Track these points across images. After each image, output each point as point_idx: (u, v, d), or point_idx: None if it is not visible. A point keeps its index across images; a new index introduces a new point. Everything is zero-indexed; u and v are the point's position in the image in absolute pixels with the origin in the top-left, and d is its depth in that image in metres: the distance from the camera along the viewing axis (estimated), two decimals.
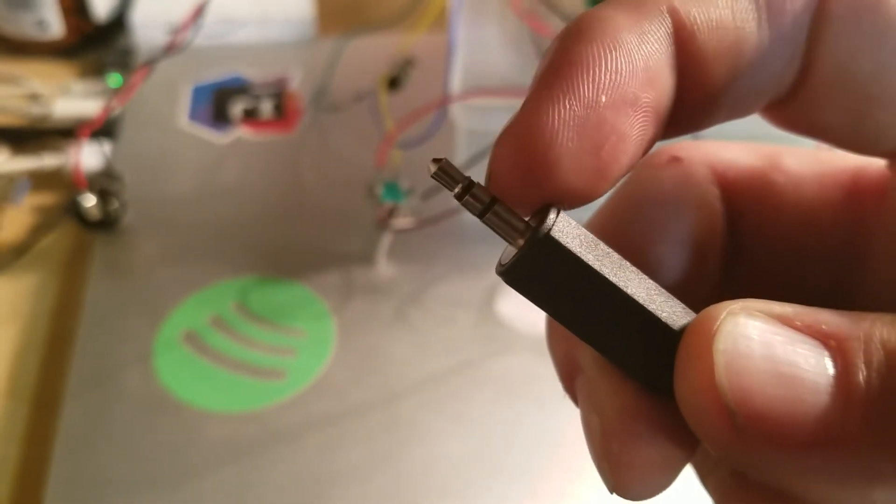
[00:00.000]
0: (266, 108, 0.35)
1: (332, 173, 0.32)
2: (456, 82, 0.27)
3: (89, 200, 0.27)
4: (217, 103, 0.35)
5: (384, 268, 0.28)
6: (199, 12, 0.29)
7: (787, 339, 0.09)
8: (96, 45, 0.40)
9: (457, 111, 0.26)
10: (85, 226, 0.28)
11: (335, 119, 0.34)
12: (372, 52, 0.36)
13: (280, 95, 0.36)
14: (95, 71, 0.40)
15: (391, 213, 0.25)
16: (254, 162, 0.32)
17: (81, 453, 0.22)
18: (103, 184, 0.28)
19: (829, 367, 0.08)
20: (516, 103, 0.28)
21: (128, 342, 0.25)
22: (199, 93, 0.36)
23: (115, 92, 0.35)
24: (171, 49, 0.28)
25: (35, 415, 0.25)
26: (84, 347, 0.25)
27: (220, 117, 0.34)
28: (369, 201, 0.27)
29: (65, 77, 0.39)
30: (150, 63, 0.28)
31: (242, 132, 0.34)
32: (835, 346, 0.09)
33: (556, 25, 0.28)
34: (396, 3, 0.43)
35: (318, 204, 0.30)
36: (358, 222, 0.29)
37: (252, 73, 0.37)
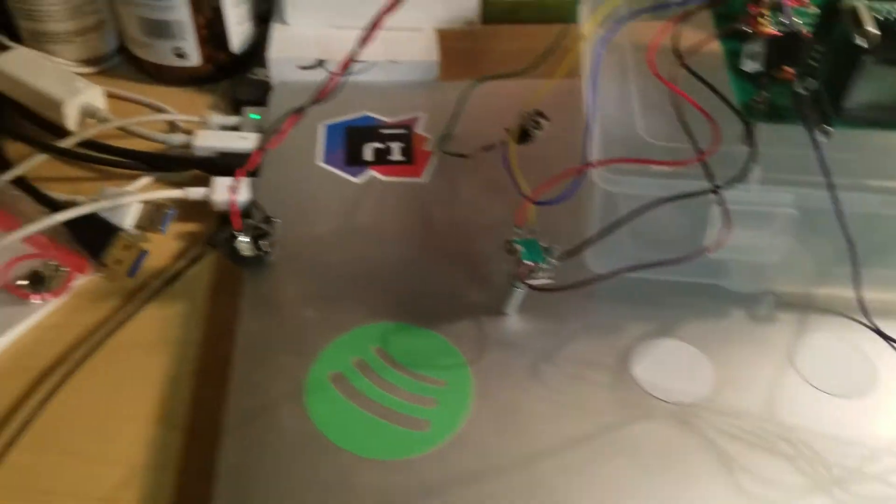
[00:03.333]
0: (395, 149, 0.36)
1: (462, 221, 0.33)
2: (595, 146, 0.27)
3: (244, 240, 0.29)
4: (349, 143, 0.36)
5: (515, 321, 0.29)
6: (350, 60, 0.30)
7: None
8: (228, 75, 0.43)
9: (596, 174, 0.27)
10: (234, 260, 0.30)
11: (463, 165, 0.35)
12: (497, 98, 0.37)
13: (408, 138, 0.37)
14: (227, 101, 0.42)
15: (531, 271, 0.26)
16: (387, 204, 0.33)
17: (242, 487, 0.23)
18: (258, 223, 0.30)
19: None
20: (658, 170, 0.28)
21: (280, 379, 0.26)
22: (332, 131, 0.37)
23: (262, 131, 0.37)
24: (323, 95, 0.30)
25: (189, 444, 0.26)
26: (240, 381, 0.26)
27: (353, 157, 0.36)
28: (504, 255, 0.28)
29: (197, 105, 0.41)
30: (302, 109, 0.30)
31: (374, 173, 0.35)
32: None
33: (696, 89, 0.28)
34: (521, 52, 0.44)
35: (449, 251, 0.31)
36: (488, 273, 0.30)
37: (380, 113, 0.38)
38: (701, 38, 0.31)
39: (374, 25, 0.30)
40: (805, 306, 0.30)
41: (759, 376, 0.27)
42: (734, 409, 0.27)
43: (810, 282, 0.30)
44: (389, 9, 0.30)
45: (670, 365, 0.28)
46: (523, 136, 0.32)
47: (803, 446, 0.26)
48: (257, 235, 0.30)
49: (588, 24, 0.31)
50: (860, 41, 0.24)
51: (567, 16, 0.50)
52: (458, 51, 0.43)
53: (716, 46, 0.31)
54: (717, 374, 0.27)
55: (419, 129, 0.38)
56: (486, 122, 0.37)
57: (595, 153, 0.27)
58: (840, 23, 0.26)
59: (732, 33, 0.31)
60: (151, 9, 0.39)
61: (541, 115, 0.32)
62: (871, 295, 0.28)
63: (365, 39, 0.30)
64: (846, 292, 0.28)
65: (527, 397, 0.26)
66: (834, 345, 0.28)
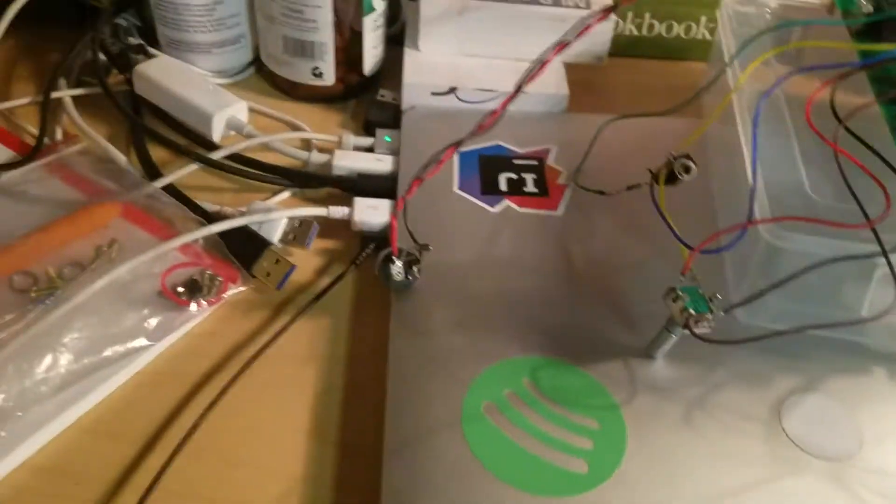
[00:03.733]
0: (528, 180, 0.37)
1: (601, 257, 0.33)
2: (759, 200, 0.28)
3: (398, 264, 0.30)
4: (484, 171, 0.37)
5: (662, 365, 0.29)
6: (513, 95, 0.31)
7: None
8: (355, 95, 0.44)
9: (765, 229, 0.27)
10: (386, 282, 0.31)
11: (598, 200, 0.35)
12: (628, 135, 0.37)
13: (540, 170, 0.38)
14: (356, 120, 0.43)
15: (696, 321, 0.26)
16: (524, 235, 0.34)
17: None
18: (411, 249, 0.30)
19: None
20: (826, 232, 0.28)
21: (436, 405, 0.27)
22: (465, 158, 0.38)
23: (395, 153, 0.38)
24: (482, 128, 0.30)
25: (345, 462, 0.27)
26: (395, 404, 0.27)
27: (488, 186, 0.36)
28: (649, 296, 0.28)
29: (328, 123, 0.42)
30: (460, 142, 0.30)
31: (510, 203, 0.36)
32: None
33: (854, 148, 0.28)
34: (647, 87, 0.45)
35: (589, 287, 0.32)
36: (631, 313, 0.31)
37: (511, 143, 0.39)
38: (858, 99, 0.31)
39: (543, 64, 0.30)
40: None
41: None
42: (883, 468, 0.27)
43: None
44: (559, 49, 0.31)
45: (819, 420, 0.28)
46: (670, 178, 0.32)
47: None
48: (409, 261, 0.31)
49: (742, 75, 0.32)
50: None
51: (694, 54, 0.51)
52: (582, 83, 0.44)
53: (873, 109, 0.31)
54: (864, 432, 0.28)
55: (551, 161, 0.38)
56: (619, 160, 0.38)
57: (760, 208, 0.27)
58: None
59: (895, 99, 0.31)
60: (297, 29, 0.40)
61: (690, 159, 0.32)
62: None
63: (532, 76, 0.31)
64: None
65: (681, 445, 0.26)
66: None
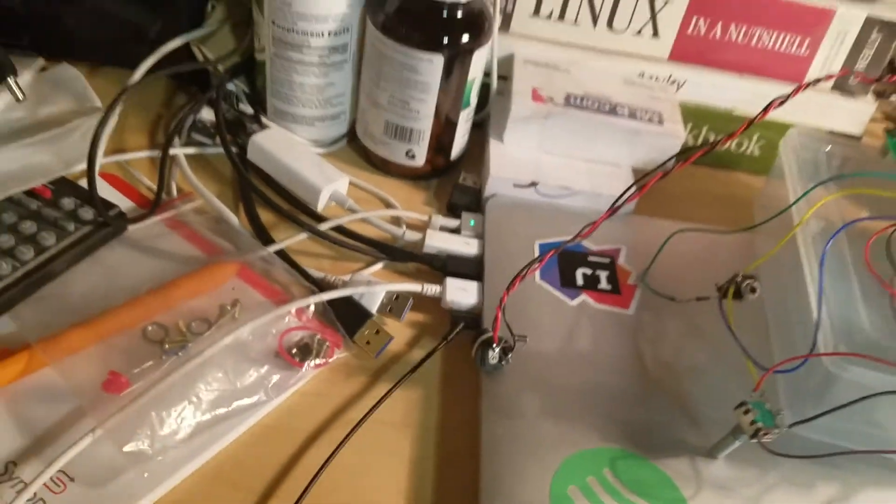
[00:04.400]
0: (602, 277, 0.41)
1: (668, 359, 0.37)
2: (823, 332, 0.32)
3: (495, 350, 0.33)
4: (562, 265, 0.41)
5: (722, 466, 0.32)
6: (616, 209, 0.35)
7: None
8: (440, 175, 0.48)
9: (829, 361, 0.31)
10: (481, 364, 0.34)
11: (667, 305, 0.39)
12: (693, 245, 0.41)
13: (612, 268, 0.41)
14: (439, 199, 0.47)
15: (762, 432, 0.30)
16: (599, 330, 0.38)
17: None
18: (507, 337, 0.34)
19: None
20: (881, 366, 0.32)
21: (526, 486, 0.30)
22: (543, 250, 0.42)
23: (480, 236, 0.41)
24: (588, 233, 0.34)
25: None
26: (489, 481, 0.30)
27: (567, 279, 0.40)
28: (715, 402, 0.32)
29: (413, 199, 0.46)
30: (560, 248, 0.34)
31: (587, 297, 0.39)
32: None
33: None
34: (712, 197, 0.49)
35: (659, 386, 0.35)
36: (696, 414, 0.34)
37: (586, 241, 0.43)
38: None
39: (647, 184, 0.35)
40: None
41: None
42: None
43: None
44: (711, 148, 0.35)
45: None
46: (736, 295, 0.36)
47: None
48: (505, 349, 0.34)
49: (807, 212, 0.36)
50: None
51: (743, 166, 0.55)
52: (654, 189, 0.48)
53: None
54: None
55: (621, 261, 0.42)
56: (682, 266, 0.42)
57: (825, 339, 0.31)
58: None
59: None
60: (400, 116, 0.44)
61: (754, 279, 0.36)
62: None
63: (636, 194, 0.35)
64: None
65: None
66: None
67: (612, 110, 0.47)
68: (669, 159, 0.39)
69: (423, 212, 0.45)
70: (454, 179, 0.47)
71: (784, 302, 0.38)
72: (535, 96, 0.47)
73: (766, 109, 0.35)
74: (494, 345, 0.33)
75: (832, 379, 0.31)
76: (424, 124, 0.45)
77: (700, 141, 0.52)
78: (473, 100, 0.45)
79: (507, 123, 0.46)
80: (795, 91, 0.36)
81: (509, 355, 0.34)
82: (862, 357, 0.30)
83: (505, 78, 0.49)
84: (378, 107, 0.45)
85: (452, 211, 0.46)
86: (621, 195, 0.36)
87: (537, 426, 0.33)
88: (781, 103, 0.35)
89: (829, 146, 0.42)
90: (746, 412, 0.30)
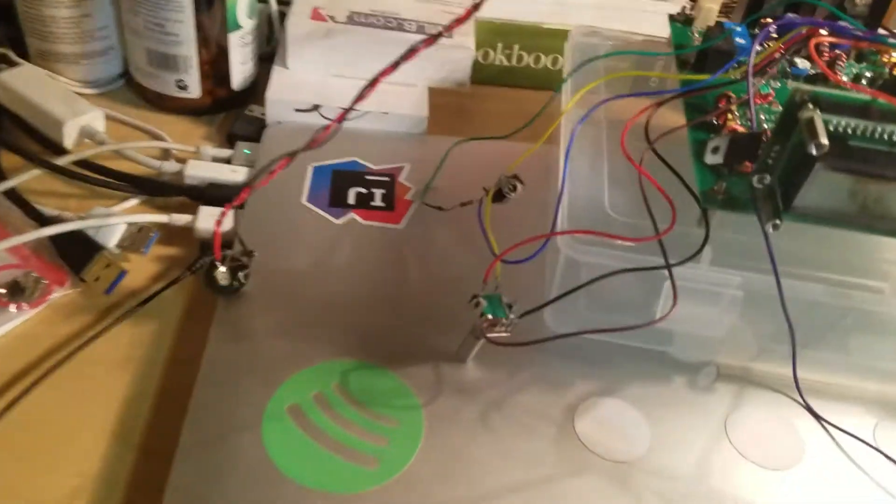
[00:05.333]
0: (377, 195, 0.38)
1: (433, 270, 0.34)
2: (563, 214, 0.29)
3: (222, 269, 0.30)
4: (334, 185, 0.38)
5: (471, 370, 0.30)
6: (345, 113, 0.32)
7: None
8: (226, 109, 0.45)
9: (562, 241, 0.28)
10: (211, 288, 0.31)
11: (440, 217, 0.36)
12: (478, 157, 0.38)
13: (391, 185, 0.39)
14: (222, 134, 0.43)
15: (492, 325, 0.27)
16: (364, 246, 0.35)
17: None
18: (237, 255, 0.31)
19: None
20: (619, 245, 0.30)
21: (240, 407, 0.27)
22: (318, 173, 0.39)
23: (252, 165, 0.38)
24: (316, 143, 0.31)
25: (143, 463, 0.27)
26: (198, 405, 0.27)
27: (336, 199, 0.37)
28: (469, 306, 0.29)
29: (192, 135, 0.43)
30: (295, 153, 0.31)
31: (355, 215, 0.37)
32: None
33: (663, 171, 0.30)
34: (507, 114, 0.46)
35: (418, 297, 0.33)
36: (452, 322, 0.32)
37: (367, 160, 0.40)
38: (673, 124, 0.33)
39: (373, 83, 0.32)
40: (743, 380, 0.31)
41: (694, 442, 0.29)
42: (667, 472, 0.28)
43: (750, 357, 0.32)
44: (386, 73, 0.32)
45: (611, 424, 0.29)
46: (498, 196, 0.34)
47: None
48: (236, 267, 0.31)
49: (570, 101, 0.34)
50: (813, 150, 0.25)
51: (554, 83, 0.53)
52: (447, 108, 0.45)
53: (685, 134, 0.34)
54: (654, 437, 0.29)
55: (402, 179, 0.39)
56: (466, 179, 0.39)
57: (563, 222, 0.29)
58: (797, 130, 0.28)
59: (701, 124, 0.33)
60: (159, 42, 0.41)
61: (517, 179, 0.34)
62: (806, 375, 0.30)
63: (360, 97, 0.32)
64: (783, 370, 0.30)
65: (473, 443, 0.27)
66: (767, 418, 0.30)
67: (399, 26, 0.44)
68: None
69: (200, 146, 0.41)
70: (241, 112, 0.43)
71: (546, 199, 0.35)
72: (315, 15, 0.44)
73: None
74: (217, 262, 0.30)
75: (572, 263, 0.29)
76: (188, 49, 0.41)
77: (514, 61, 0.50)
78: (245, 21, 0.42)
79: (287, 45, 0.43)
80: None
81: (242, 274, 0.31)
82: (589, 233, 0.27)
83: (288, 2, 0.46)
84: (138, 34, 0.41)
85: (232, 143, 0.42)
86: (355, 99, 0.33)
87: (268, 346, 0.30)
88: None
89: (611, 42, 0.40)
90: (476, 305, 0.28)
